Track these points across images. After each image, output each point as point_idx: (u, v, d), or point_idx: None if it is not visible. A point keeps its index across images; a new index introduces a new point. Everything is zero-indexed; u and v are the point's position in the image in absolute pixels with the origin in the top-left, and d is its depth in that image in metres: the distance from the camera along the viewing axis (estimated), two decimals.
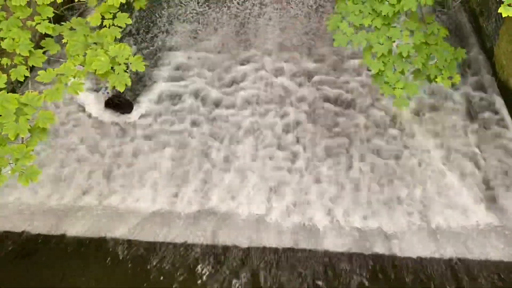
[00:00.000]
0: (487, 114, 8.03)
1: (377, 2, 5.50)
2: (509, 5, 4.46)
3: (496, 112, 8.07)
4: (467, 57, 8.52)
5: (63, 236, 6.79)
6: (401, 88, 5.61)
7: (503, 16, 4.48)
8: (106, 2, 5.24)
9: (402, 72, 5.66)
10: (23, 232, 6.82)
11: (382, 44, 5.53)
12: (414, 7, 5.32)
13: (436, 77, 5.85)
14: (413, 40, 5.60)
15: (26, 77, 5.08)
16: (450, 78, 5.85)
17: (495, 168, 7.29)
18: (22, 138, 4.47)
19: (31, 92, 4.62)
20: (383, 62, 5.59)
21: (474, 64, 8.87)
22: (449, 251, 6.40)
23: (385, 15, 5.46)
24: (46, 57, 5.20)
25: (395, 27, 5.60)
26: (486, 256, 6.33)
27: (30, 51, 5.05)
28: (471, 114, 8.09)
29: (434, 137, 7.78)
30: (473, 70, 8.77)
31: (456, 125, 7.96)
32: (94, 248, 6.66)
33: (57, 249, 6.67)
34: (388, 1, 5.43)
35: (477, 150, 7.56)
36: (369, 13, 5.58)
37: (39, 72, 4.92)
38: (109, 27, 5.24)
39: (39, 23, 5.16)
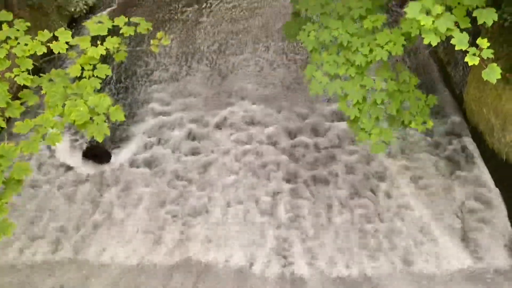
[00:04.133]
0: (459, 156, 8.28)
1: (351, 53, 5.73)
2: (474, 54, 4.70)
3: (468, 154, 8.32)
4: (438, 104, 8.85)
5: None
6: (377, 134, 5.75)
7: (469, 64, 4.71)
8: (86, 54, 5.30)
9: (377, 119, 5.81)
10: None
11: (357, 92, 5.71)
12: (385, 57, 5.56)
13: (410, 122, 6.03)
14: (386, 87, 5.80)
15: (1, 128, 5.00)
16: (424, 123, 6.03)
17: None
18: None
19: (7, 143, 4.54)
20: (358, 109, 5.75)
21: (445, 110, 9.21)
22: None
23: (358, 65, 5.68)
24: (24, 108, 5.15)
25: (368, 76, 5.81)
26: None
27: (7, 102, 5.01)
28: (444, 156, 8.33)
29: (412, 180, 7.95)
30: (445, 116, 9.09)
31: (429, 165, 8.17)
32: None
33: None
34: (361, 52, 5.67)
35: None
36: (343, 63, 5.79)
37: (16, 123, 4.86)
38: (89, 78, 5.26)
39: (18, 75, 5.14)
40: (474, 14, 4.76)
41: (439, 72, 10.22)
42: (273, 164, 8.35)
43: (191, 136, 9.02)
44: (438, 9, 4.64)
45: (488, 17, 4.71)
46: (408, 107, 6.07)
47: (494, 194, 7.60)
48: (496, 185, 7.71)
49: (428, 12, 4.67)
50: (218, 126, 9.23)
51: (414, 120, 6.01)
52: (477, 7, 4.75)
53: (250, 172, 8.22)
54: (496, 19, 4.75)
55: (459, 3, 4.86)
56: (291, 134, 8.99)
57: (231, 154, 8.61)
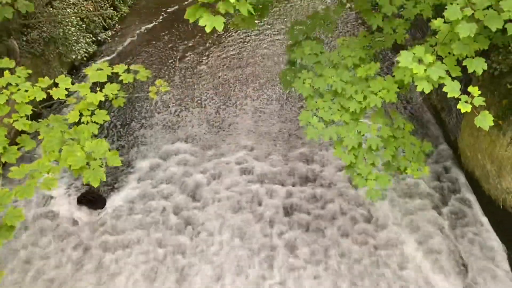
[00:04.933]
0: (456, 203, 8.26)
1: (345, 99, 5.85)
2: (466, 102, 4.81)
3: (465, 201, 8.30)
4: (433, 150, 8.95)
5: None
6: (374, 180, 5.75)
7: (462, 111, 4.81)
8: (85, 100, 5.38)
9: (373, 164, 5.84)
10: None
11: (352, 137, 5.77)
12: (379, 103, 5.67)
13: (406, 168, 6.06)
14: (381, 133, 5.87)
15: None
16: (419, 169, 6.06)
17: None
18: None
19: (1, 189, 4.51)
20: (354, 154, 5.79)
21: (440, 156, 9.27)
22: None
23: (353, 111, 5.78)
24: (20, 153, 5.16)
25: (363, 122, 5.90)
26: None
27: (4, 148, 5.02)
28: (441, 202, 8.32)
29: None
30: (440, 162, 9.14)
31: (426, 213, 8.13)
32: None
33: None
34: (355, 99, 5.79)
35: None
36: (338, 110, 5.89)
37: (12, 168, 4.85)
38: (87, 124, 5.32)
39: (17, 120, 5.19)
40: (464, 63, 4.91)
41: (433, 118, 10.38)
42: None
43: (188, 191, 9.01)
44: (430, 58, 4.79)
45: (478, 66, 4.87)
46: (404, 154, 6.12)
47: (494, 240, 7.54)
48: (495, 231, 7.66)
49: (420, 61, 4.82)
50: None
51: (409, 166, 6.04)
52: (467, 57, 4.91)
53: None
54: (485, 68, 4.90)
55: (449, 53, 5.02)
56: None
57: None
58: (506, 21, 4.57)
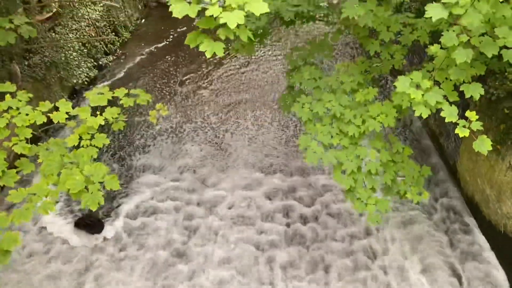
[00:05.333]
0: (456, 225, 8.20)
1: (344, 124, 5.88)
2: (464, 126, 4.84)
3: (464, 225, 8.24)
4: (433, 174, 8.93)
5: None
6: (373, 204, 5.73)
7: (460, 136, 4.83)
8: (85, 123, 5.41)
9: (373, 189, 5.82)
10: None
11: (351, 161, 5.77)
12: (378, 128, 5.70)
13: (405, 193, 6.04)
14: (380, 158, 5.88)
15: None
16: (419, 194, 6.04)
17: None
18: None
19: None
20: (353, 178, 5.78)
21: (439, 180, 9.25)
22: None
23: (352, 136, 5.80)
24: (19, 177, 5.15)
25: (362, 146, 5.91)
26: None
27: (3, 171, 5.01)
28: (440, 227, 8.26)
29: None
30: (439, 186, 9.11)
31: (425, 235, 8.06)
32: None
33: None
34: (354, 123, 5.82)
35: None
36: (337, 134, 5.92)
37: (10, 191, 4.83)
38: (86, 147, 5.33)
39: (16, 144, 5.20)
40: (461, 89, 4.97)
41: (432, 143, 10.41)
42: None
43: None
44: (427, 83, 4.84)
45: (475, 91, 4.92)
46: (403, 178, 6.11)
47: (494, 266, 7.44)
48: (496, 257, 7.58)
49: (417, 86, 4.87)
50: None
51: (409, 190, 6.02)
52: (464, 82, 4.97)
53: None
54: (482, 93, 4.95)
55: (446, 78, 5.08)
56: None
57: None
58: (501, 47, 4.65)
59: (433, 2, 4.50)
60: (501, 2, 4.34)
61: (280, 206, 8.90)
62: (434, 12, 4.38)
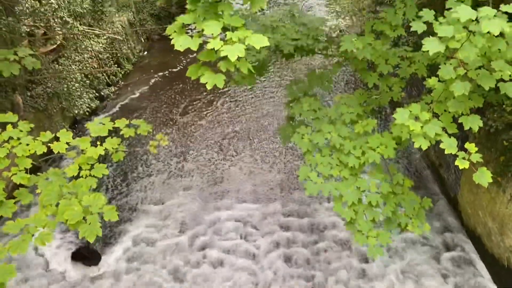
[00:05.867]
0: (458, 259, 8.08)
1: (343, 155, 5.88)
2: (463, 158, 4.84)
3: (466, 259, 8.11)
4: (433, 206, 8.87)
5: None
6: (374, 237, 5.66)
7: (460, 168, 4.82)
8: (85, 154, 5.41)
9: (373, 221, 5.76)
10: None
11: (352, 193, 5.73)
12: (378, 159, 5.70)
13: (406, 225, 5.97)
14: (381, 189, 5.85)
15: None
16: (420, 226, 5.97)
17: None
18: None
19: None
20: (354, 210, 5.73)
21: (440, 213, 9.17)
22: None
23: (352, 167, 5.79)
24: (17, 207, 5.10)
25: (362, 177, 5.89)
26: None
27: (1, 201, 4.97)
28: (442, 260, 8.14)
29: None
30: (441, 219, 9.03)
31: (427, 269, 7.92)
32: None
33: None
34: (353, 154, 5.82)
35: None
36: (337, 165, 5.91)
37: (7, 222, 4.78)
38: (85, 178, 5.31)
39: (15, 174, 5.18)
40: (460, 121, 5.00)
41: (432, 174, 10.39)
42: None
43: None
44: (426, 115, 4.88)
45: (473, 123, 4.95)
46: (404, 210, 6.05)
47: None
48: None
49: (416, 118, 4.91)
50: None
51: (410, 223, 5.96)
52: (462, 114, 5.01)
53: None
54: (481, 125, 4.98)
55: (445, 110, 5.12)
56: None
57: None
58: (498, 80, 4.71)
59: (430, 36, 4.60)
60: (496, 37, 4.43)
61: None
62: (431, 46, 4.46)
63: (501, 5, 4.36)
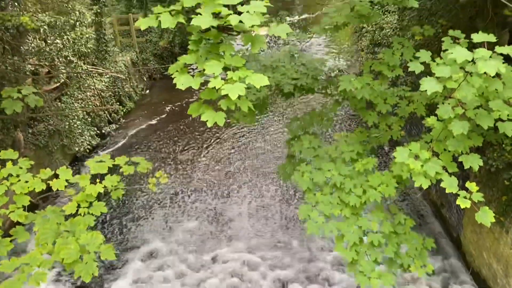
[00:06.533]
0: None
1: (344, 194, 5.84)
2: (465, 197, 4.81)
3: None
4: (436, 247, 8.71)
5: None
6: (377, 278, 5.53)
7: (462, 207, 4.78)
8: (84, 191, 5.37)
9: (376, 261, 5.65)
10: None
11: (353, 233, 5.65)
12: (379, 198, 5.66)
13: (409, 266, 5.86)
14: (382, 229, 5.77)
15: None
16: (423, 267, 5.85)
17: None
18: None
19: None
20: (355, 250, 5.63)
21: (443, 253, 9.01)
22: None
23: (353, 206, 5.74)
24: (13, 245, 5.03)
25: (363, 217, 5.83)
26: None
27: None
28: None
29: None
30: (444, 259, 8.85)
31: None
32: None
33: None
34: (354, 193, 5.79)
35: None
36: (338, 203, 5.86)
37: (2, 261, 4.69)
38: (83, 215, 5.25)
39: (13, 211, 5.13)
40: (460, 160, 5.00)
41: (433, 213, 10.28)
42: None
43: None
44: (426, 154, 4.89)
45: (473, 162, 4.95)
46: (407, 250, 5.95)
47: None
48: None
49: (416, 157, 4.92)
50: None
51: (413, 263, 5.84)
52: (462, 153, 5.01)
53: None
54: (481, 164, 4.98)
55: (444, 149, 5.14)
56: None
57: None
58: (496, 120, 4.75)
59: (428, 76, 4.68)
60: (493, 77, 4.50)
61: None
62: (429, 86, 4.54)
63: (496, 47, 4.47)
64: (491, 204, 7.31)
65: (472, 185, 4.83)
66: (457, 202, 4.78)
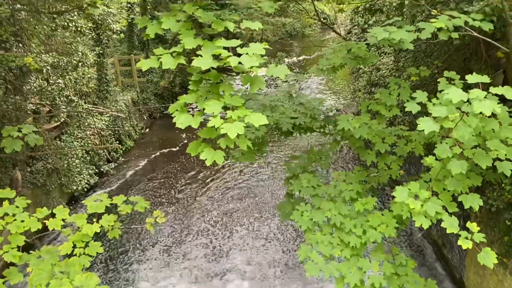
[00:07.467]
0: None
1: (344, 234, 5.76)
2: (466, 237, 4.74)
3: None
4: None
5: None
6: None
7: (464, 248, 4.70)
8: (81, 231, 5.29)
9: None
10: None
11: (354, 274, 5.53)
12: (379, 239, 5.57)
13: None
14: (383, 270, 5.66)
15: None
16: None
17: None
18: None
19: None
20: None
21: None
22: None
23: (353, 246, 5.64)
24: (5, 287, 4.90)
25: (364, 258, 5.72)
26: None
27: None
28: None
29: None
30: None
31: None
32: None
33: None
34: (354, 233, 5.70)
35: None
36: (338, 244, 5.76)
37: None
38: (79, 256, 5.15)
39: (7, 252, 5.03)
40: (459, 199, 4.97)
41: (435, 254, 10.11)
42: None
43: None
44: (425, 194, 4.86)
45: (473, 202, 4.92)
46: None
47: None
48: None
49: (416, 196, 4.89)
50: None
51: None
52: (461, 193, 4.99)
53: None
54: (481, 203, 4.94)
55: (444, 189, 5.12)
56: None
57: None
58: (494, 159, 4.76)
59: (425, 115, 4.73)
60: (489, 117, 4.55)
61: None
62: (426, 126, 4.57)
63: (490, 87, 4.54)
64: (493, 244, 7.20)
65: (473, 225, 4.77)
66: (459, 243, 4.71)
